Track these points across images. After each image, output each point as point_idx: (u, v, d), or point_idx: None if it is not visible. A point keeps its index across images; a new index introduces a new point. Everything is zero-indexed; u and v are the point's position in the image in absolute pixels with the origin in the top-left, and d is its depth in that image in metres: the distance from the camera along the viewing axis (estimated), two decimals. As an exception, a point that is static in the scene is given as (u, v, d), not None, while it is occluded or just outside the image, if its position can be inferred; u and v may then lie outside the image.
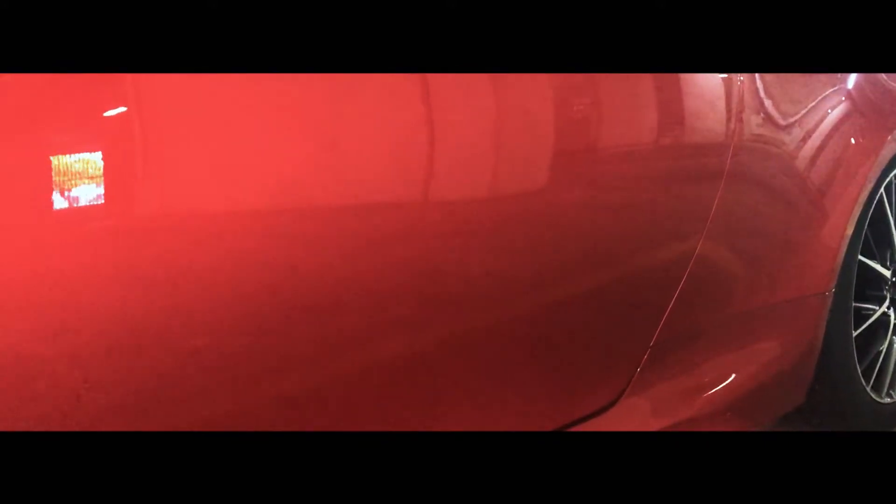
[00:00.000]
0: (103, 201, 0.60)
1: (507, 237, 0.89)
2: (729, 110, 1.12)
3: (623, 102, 0.99)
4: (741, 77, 1.13)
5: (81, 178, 0.59)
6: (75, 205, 0.59)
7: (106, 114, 0.62)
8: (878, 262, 1.52)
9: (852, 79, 1.41)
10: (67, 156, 0.58)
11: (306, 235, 0.72)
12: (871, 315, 1.51)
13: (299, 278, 0.72)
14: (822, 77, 1.35)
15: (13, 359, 0.58)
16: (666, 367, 1.11)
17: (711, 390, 1.21)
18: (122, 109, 0.62)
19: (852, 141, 1.36)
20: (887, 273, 1.54)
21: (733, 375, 1.24)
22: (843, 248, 1.34)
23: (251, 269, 0.69)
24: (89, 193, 0.59)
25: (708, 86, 1.09)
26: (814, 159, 1.29)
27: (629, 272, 1.05)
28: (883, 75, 1.49)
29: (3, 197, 0.57)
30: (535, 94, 0.90)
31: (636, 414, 1.08)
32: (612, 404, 1.06)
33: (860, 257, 1.45)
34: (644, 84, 1.00)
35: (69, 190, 0.58)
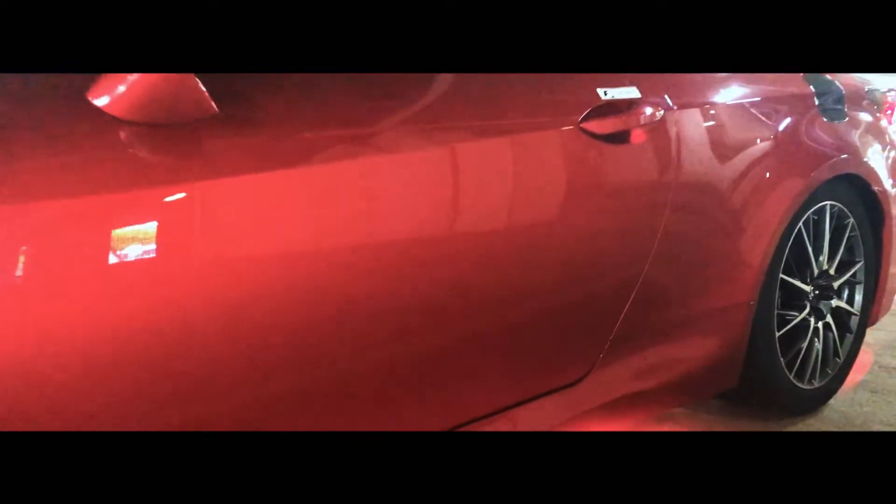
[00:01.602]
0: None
1: (511, 261, 1.34)
2: (669, 157, 1.56)
3: (593, 163, 1.44)
4: (676, 129, 1.57)
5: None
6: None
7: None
8: (799, 280, 1.96)
9: (778, 131, 1.84)
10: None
11: (367, 267, 1.15)
12: (793, 320, 1.95)
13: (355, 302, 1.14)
14: (749, 131, 1.78)
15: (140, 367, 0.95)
16: (623, 354, 1.56)
17: (660, 372, 1.66)
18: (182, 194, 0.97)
19: (773, 184, 1.79)
20: (807, 288, 1.98)
21: (677, 361, 1.69)
22: (764, 269, 1.78)
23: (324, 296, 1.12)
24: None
25: (652, 139, 1.53)
26: (740, 200, 1.73)
27: (596, 284, 1.50)
28: (804, 133, 1.92)
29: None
30: (531, 160, 1.35)
31: (601, 385, 1.53)
32: (583, 377, 1.50)
33: (783, 276, 1.89)
34: (606, 150, 1.45)
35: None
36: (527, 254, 1.36)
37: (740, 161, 1.73)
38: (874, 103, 2.28)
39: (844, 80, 2.18)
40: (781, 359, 1.92)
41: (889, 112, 2.35)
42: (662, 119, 1.53)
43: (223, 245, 0.99)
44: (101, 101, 0.91)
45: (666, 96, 1.56)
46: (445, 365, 1.29)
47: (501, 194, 1.31)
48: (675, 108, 1.57)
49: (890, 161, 2.18)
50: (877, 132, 2.20)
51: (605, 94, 1.44)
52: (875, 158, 2.10)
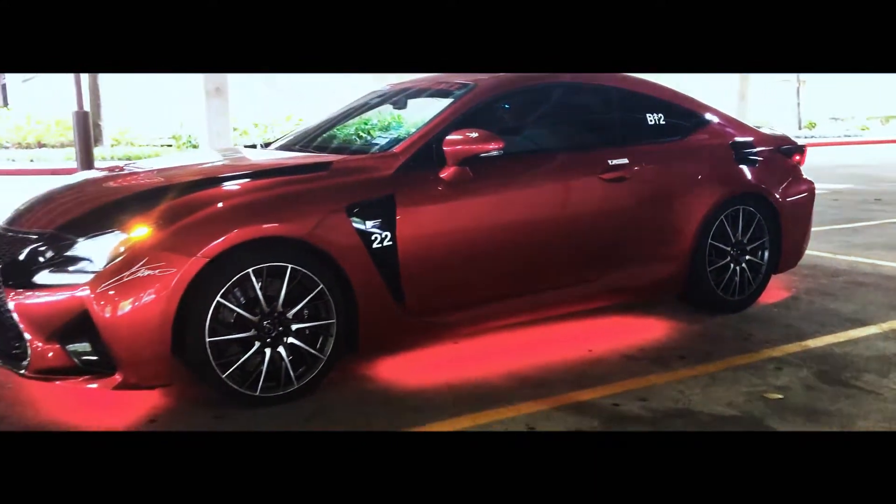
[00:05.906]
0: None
1: (571, 232, 3.53)
2: (642, 186, 3.69)
3: (606, 192, 3.60)
4: (646, 174, 3.71)
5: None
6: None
7: None
8: (722, 244, 4.01)
9: (704, 171, 3.92)
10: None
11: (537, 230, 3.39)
12: (719, 263, 4.01)
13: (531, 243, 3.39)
14: (688, 171, 3.88)
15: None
16: (616, 269, 3.72)
17: (638, 278, 3.80)
18: None
19: (699, 197, 3.86)
20: (727, 248, 4.03)
21: (647, 274, 3.82)
22: (696, 237, 3.86)
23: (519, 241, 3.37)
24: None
25: (634, 179, 3.69)
26: (680, 204, 3.82)
27: (604, 240, 3.66)
28: (722, 171, 3.99)
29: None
30: (581, 190, 3.54)
31: (607, 282, 3.69)
32: (597, 279, 3.68)
33: (712, 241, 3.95)
34: (612, 186, 3.61)
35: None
36: (578, 229, 3.56)
37: (681, 185, 3.85)
38: (786, 154, 4.26)
39: (764, 141, 4.18)
40: (711, 281, 3.98)
41: (798, 158, 4.32)
42: (639, 171, 3.68)
43: (481, 218, 3.27)
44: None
45: (643, 161, 3.70)
46: (550, 267, 3.53)
47: (569, 203, 3.51)
48: (645, 165, 3.71)
49: (784, 186, 4.16)
50: (782, 170, 4.20)
51: (611, 162, 3.60)
52: (773, 184, 4.11)
